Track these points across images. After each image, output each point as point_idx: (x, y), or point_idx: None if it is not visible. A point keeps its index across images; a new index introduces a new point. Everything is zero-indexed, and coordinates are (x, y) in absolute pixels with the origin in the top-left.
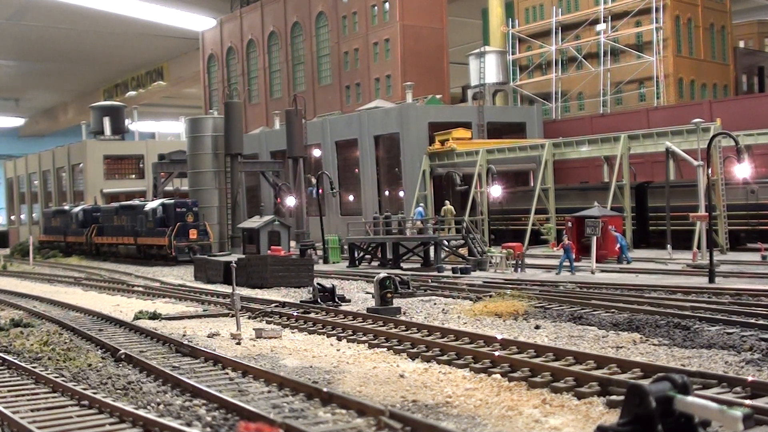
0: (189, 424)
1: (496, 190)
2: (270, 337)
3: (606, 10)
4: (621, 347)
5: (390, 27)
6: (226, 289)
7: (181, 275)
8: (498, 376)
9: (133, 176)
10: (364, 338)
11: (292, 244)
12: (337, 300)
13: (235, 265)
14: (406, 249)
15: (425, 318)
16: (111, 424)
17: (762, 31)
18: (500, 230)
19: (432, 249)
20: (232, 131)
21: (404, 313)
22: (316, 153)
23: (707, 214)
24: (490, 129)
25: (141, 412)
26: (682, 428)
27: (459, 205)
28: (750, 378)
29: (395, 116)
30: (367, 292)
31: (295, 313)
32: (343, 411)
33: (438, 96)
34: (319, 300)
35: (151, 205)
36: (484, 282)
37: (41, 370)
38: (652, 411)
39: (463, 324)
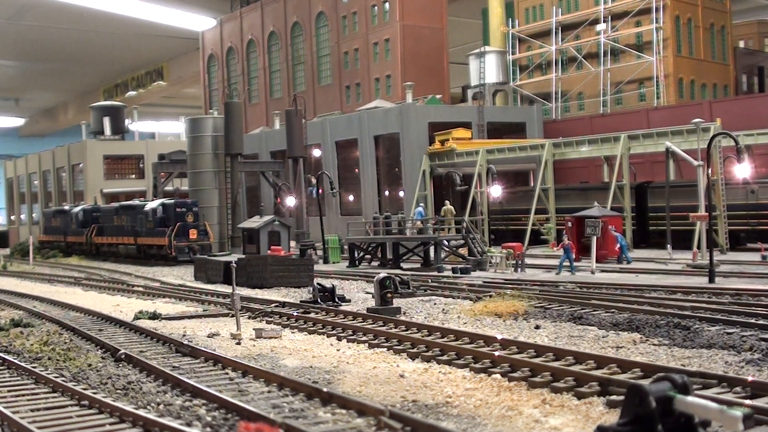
0: (189, 424)
1: (496, 190)
2: (270, 337)
3: (606, 10)
4: (621, 347)
5: (390, 27)
6: (226, 289)
7: (181, 275)
8: (498, 376)
9: (133, 176)
10: (364, 338)
11: (292, 244)
12: (337, 300)
13: (235, 265)
14: (406, 249)
15: (425, 318)
16: (111, 424)
17: (762, 31)
18: (500, 230)
19: (432, 249)
20: (232, 131)
21: (404, 313)
22: (316, 153)
23: (707, 214)
24: (490, 129)
25: (141, 412)
26: (682, 428)
27: (459, 205)
28: (750, 378)
29: (395, 116)
30: (367, 292)
31: (295, 313)
32: (343, 411)
33: (438, 96)
34: (319, 300)
35: (151, 205)
36: (484, 282)
37: (41, 370)
38: (652, 411)
39: (463, 324)
